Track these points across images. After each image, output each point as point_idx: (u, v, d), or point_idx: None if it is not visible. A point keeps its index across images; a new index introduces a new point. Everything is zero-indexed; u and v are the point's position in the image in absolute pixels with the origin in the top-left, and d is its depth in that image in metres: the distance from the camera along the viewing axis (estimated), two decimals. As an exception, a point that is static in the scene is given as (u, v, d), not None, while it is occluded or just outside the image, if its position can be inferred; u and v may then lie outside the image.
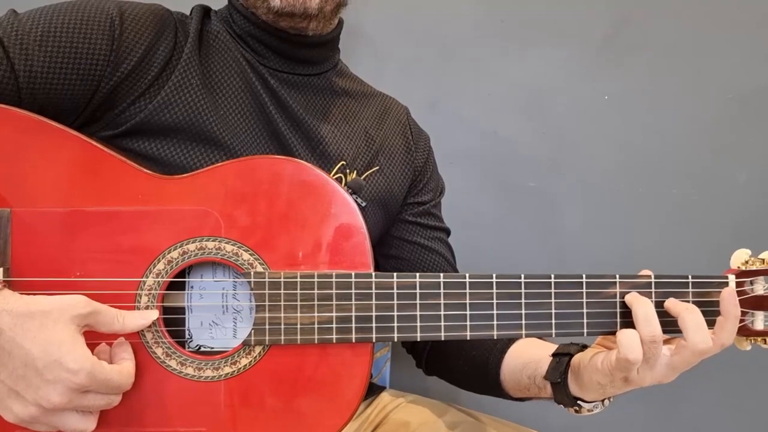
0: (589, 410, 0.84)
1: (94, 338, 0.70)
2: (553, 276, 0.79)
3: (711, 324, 0.77)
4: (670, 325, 0.77)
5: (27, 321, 0.66)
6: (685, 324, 0.75)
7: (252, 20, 0.93)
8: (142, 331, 0.76)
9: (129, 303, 0.76)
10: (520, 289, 0.78)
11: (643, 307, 0.76)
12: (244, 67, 0.93)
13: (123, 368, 0.72)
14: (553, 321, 0.78)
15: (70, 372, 0.66)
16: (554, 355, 0.86)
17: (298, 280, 0.77)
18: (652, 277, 0.79)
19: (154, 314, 0.75)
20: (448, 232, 1.12)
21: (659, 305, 0.78)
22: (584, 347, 0.85)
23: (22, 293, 0.69)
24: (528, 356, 0.91)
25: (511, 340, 0.96)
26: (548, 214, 1.42)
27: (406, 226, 1.07)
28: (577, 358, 0.82)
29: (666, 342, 0.77)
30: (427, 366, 1.08)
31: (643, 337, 0.74)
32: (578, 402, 0.83)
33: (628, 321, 0.78)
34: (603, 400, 0.83)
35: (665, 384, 0.78)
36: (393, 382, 1.37)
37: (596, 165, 1.42)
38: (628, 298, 0.79)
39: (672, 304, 0.78)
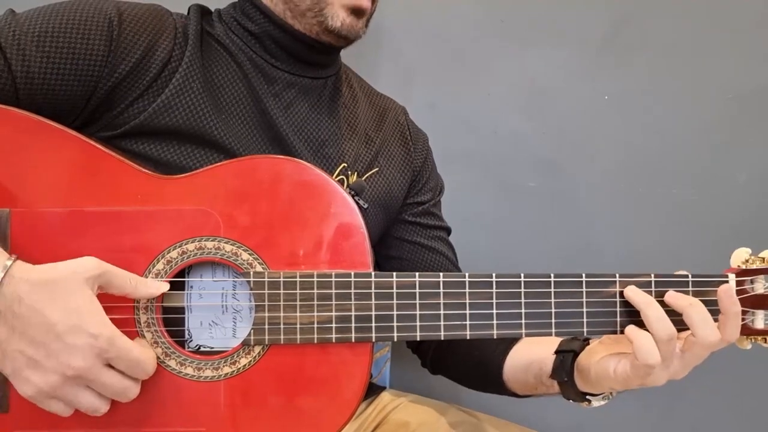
0: (599, 402, 0.84)
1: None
2: (552, 275, 0.78)
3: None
4: (672, 314, 0.76)
5: (44, 288, 0.66)
6: (691, 320, 0.75)
7: (274, 21, 0.93)
8: (142, 331, 0.76)
9: (129, 303, 0.76)
10: (520, 288, 0.78)
11: (653, 310, 0.75)
12: (246, 68, 0.92)
13: (144, 348, 0.73)
14: (553, 320, 0.78)
15: (91, 336, 0.66)
16: (557, 352, 0.85)
17: (298, 279, 0.77)
18: (652, 276, 0.79)
19: (165, 286, 0.75)
20: (448, 230, 1.12)
21: (660, 304, 0.77)
22: (586, 341, 0.85)
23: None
24: (531, 355, 0.91)
25: (514, 339, 0.96)
26: (548, 214, 1.42)
27: (406, 226, 1.07)
28: (584, 360, 0.82)
29: None
30: (431, 365, 1.08)
31: (660, 337, 0.74)
32: (587, 397, 0.83)
33: (628, 320, 0.78)
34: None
35: (665, 383, 0.78)
36: (393, 382, 1.37)
37: (596, 165, 1.41)
38: (628, 294, 0.78)
39: (673, 298, 0.77)
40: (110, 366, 0.69)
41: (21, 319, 0.66)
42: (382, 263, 1.08)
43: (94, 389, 0.69)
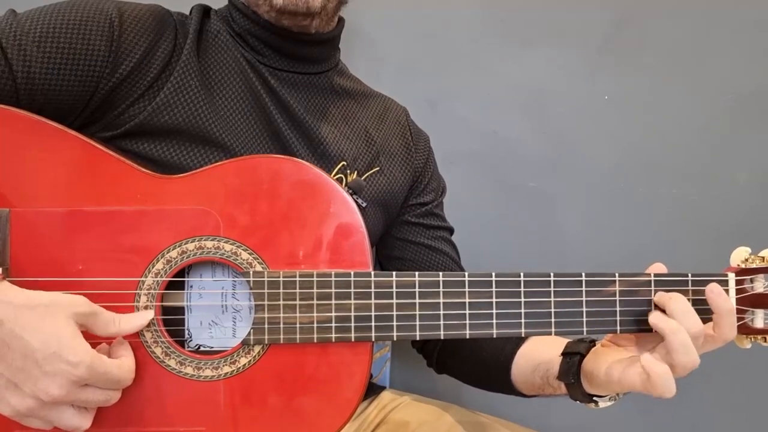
0: (606, 403, 0.84)
1: (93, 338, 0.70)
2: (552, 274, 0.79)
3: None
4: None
5: (27, 313, 0.66)
6: (672, 314, 0.75)
7: (252, 18, 0.93)
8: (142, 330, 0.76)
9: (128, 303, 0.76)
10: (520, 287, 0.78)
11: (680, 336, 0.74)
12: (243, 67, 0.93)
13: (123, 363, 0.72)
14: (553, 320, 0.78)
15: (69, 364, 0.65)
16: (564, 354, 0.85)
17: (297, 279, 0.77)
18: (652, 275, 0.79)
19: (149, 314, 0.74)
20: (451, 230, 1.12)
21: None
22: (593, 342, 0.85)
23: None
24: (538, 357, 0.91)
25: (521, 340, 0.96)
26: (548, 214, 1.42)
27: (409, 227, 1.07)
28: (589, 364, 0.82)
29: None
30: (437, 365, 1.08)
31: (684, 367, 0.74)
32: (594, 398, 0.83)
33: (628, 319, 0.78)
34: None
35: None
36: (393, 382, 1.37)
37: (596, 165, 1.41)
38: (653, 321, 0.76)
39: (658, 296, 0.78)
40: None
41: (1, 342, 0.65)
42: (385, 264, 1.08)
43: (76, 405, 0.69)
